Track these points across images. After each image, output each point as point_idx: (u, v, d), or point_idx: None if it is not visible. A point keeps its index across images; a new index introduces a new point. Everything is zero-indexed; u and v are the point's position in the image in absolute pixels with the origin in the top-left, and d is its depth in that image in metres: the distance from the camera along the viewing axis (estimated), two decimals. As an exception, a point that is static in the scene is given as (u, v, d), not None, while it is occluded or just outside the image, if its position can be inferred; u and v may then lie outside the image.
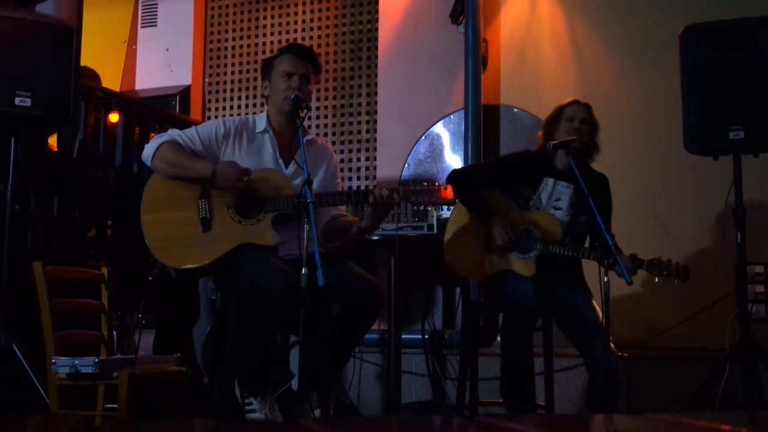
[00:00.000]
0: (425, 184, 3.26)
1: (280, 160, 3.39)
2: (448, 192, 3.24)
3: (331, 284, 2.77)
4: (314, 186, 3.18)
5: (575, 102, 3.71)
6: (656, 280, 3.47)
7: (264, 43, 5.87)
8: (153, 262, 3.25)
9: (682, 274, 3.45)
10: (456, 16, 5.12)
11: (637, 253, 3.47)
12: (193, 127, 3.45)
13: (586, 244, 3.67)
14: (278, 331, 3.16)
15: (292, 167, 3.39)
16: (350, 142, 5.56)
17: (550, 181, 3.67)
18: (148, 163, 3.32)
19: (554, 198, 3.66)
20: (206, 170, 3.22)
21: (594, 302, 3.52)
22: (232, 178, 3.19)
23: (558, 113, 3.69)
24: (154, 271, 3.23)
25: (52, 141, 4.64)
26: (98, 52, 5.86)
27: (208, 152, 3.34)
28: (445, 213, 4.22)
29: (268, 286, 3.03)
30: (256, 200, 3.24)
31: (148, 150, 3.31)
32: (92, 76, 5.47)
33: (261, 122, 3.43)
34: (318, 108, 5.60)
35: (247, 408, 3.14)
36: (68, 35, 3.88)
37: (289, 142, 3.40)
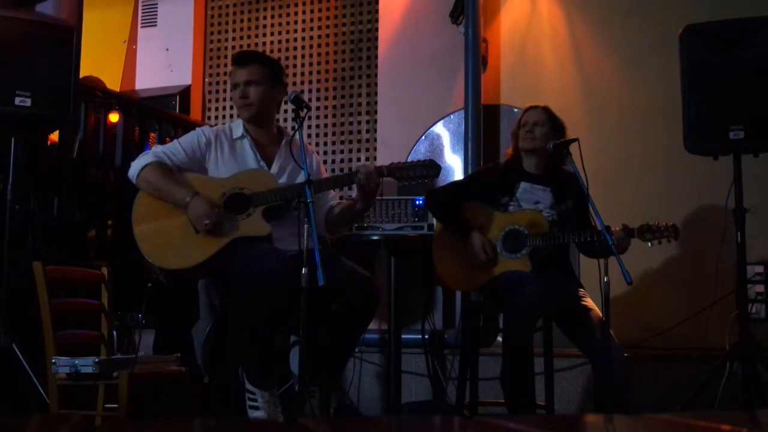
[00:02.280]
0: (409, 160, 3.29)
1: (262, 163, 3.43)
2: (432, 166, 3.26)
3: (328, 279, 2.77)
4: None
5: (530, 107, 3.78)
6: (649, 245, 3.51)
7: (264, 43, 5.87)
8: (148, 271, 3.26)
9: (673, 233, 3.49)
10: (456, 16, 5.12)
11: (628, 223, 3.51)
12: (175, 140, 3.53)
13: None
14: (279, 314, 3.14)
15: (275, 168, 3.45)
16: (350, 142, 5.56)
17: (526, 185, 3.71)
18: (134, 181, 3.38)
19: (533, 201, 3.69)
20: (183, 200, 3.27)
21: (587, 296, 3.54)
22: (195, 216, 3.23)
23: (518, 121, 3.78)
24: (152, 277, 3.24)
25: (54, 136, 4.65)
26: (98, 52, 5.85)
27: (193, 161, 3.41)
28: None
29: (263, 266, 3.05)
30: (244, 198, 3.27)
31: (133, 170, 3.38)
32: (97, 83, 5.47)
33: (237, 129, 3.50)
34: (318, 108, 5.60)
35: (250, 404, 3.14)
36: (68, 35, 3.88)
37: (271, 147, 3.49)
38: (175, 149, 3.41)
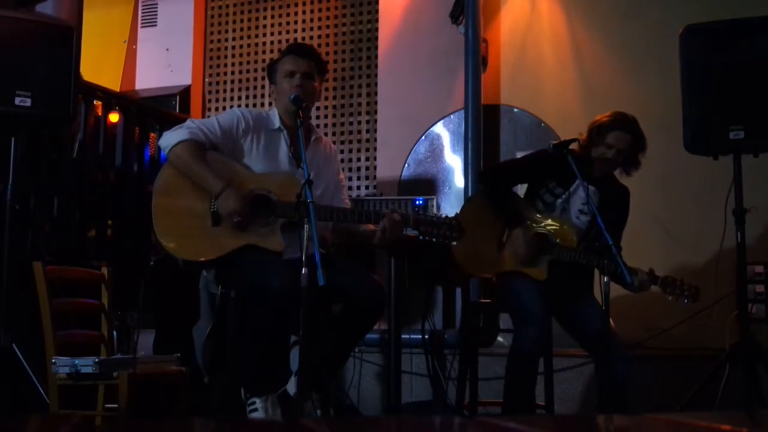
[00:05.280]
0: (436, 215, 3.28)
1: (293, 160, 3.40)
2: (458, 228, 3.24)
3: (334, 284, 2.77)
4: (323, 185, 3.29)
5: (623, 127, 3.55)
6: (669, 298, 3.51)
7: (264, 43, 5.87)
8: (155, 248, 3.25)
9: (693, 294, 3.51)
10: (456, 16, 5.12)
11: (654, 269, 3.51)
12: (213, 117, 3.45)
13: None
14: (281, 330, 3.16)
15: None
16: (350, 142, 5.56)
17: (582, 183, 3.58)
18: (165, 152, 3.32)
19: (582, 201, 3.59)
20: (214, 188, 3.22)
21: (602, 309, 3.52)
22: (228, 212, 3.19)
23: (603, 131, 3.56)
24: (157, 257, 3.23)
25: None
26: (98, 52, 5.85)
27: (226, 141, 3.33)
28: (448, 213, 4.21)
29: (270, 286, 3.03)
30: (269, 202, 3.25)
31: (167, 141, 3.29)
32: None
33: (275, 119, 3.44)
34: (318, 108, 5.59)
35: (249, 407, 3.14)
36: (68, 35, 3.88)
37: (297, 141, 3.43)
38: (211, 126, 3.33)
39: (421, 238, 3.30)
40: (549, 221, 3.59)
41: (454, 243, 3.32)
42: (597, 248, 3.49)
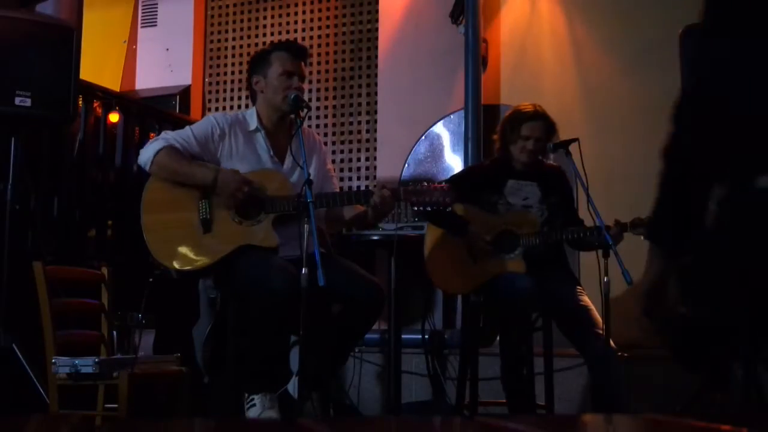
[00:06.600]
0: (425, 184, 3.25)
1: (276, 158, 3.39)
2: (449, 192, 3.24)
3: (333, 284, 2.77)
4: (311, 174, 3.21)
5: (533, 116, 3.63)
6: (642, 238, 3.52)
7: (264, 43, 5.86)
8: (153, 263, 3.26)
9: None
10: (456, 16, 5.12)
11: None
12: (187, 127, 3.41)
13: None
14: (282, 329, 3.16)
15: (287, 164, 3.40)
16: (350, 142, 5.56)
17: (513, 182, 3.69)
18: (147, 168, 3.30)
19: (521, 197, 3.68)
20: (207, 177, 3.22)
21: (584, 294, 3.55)
22: (232, 188, 3.19)
23: (516, 125, 3.64)
24: (155, 272, 3.23)
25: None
26: (98, 52, 5.85)
27: (204, 152, 3.33)
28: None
29: (271, 284, 3.03)
30: (257, 201, 3.25)
31: (145, 156, 3.29)
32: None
33: (252, 120, 3.41)
34: (318, 108, 5.60)
35: (248, 404, 3.14)
36: (68, 35, 3.88)
37: (283, 138, 3.42)
38: (187, 137, 3.30)
39: (415, 209, 3.29)
40: (505, 217, 3.63)
41: (449, 209, 3.34)
42: (576, 226, 3.58)
